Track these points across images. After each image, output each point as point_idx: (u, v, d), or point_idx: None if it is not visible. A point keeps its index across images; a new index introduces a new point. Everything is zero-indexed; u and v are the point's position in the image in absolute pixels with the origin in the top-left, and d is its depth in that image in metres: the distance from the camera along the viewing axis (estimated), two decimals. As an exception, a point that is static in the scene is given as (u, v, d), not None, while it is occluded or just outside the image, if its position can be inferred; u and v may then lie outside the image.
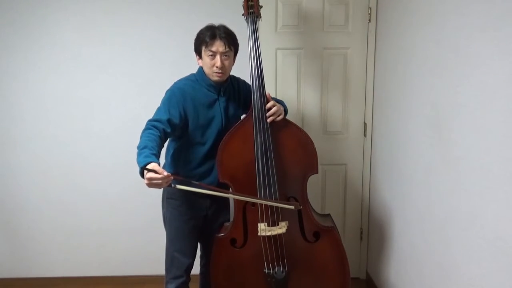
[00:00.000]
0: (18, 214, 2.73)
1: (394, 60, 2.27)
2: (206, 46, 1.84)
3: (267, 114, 1.90)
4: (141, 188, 2.61)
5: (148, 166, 1.57)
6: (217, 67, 1.85)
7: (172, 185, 1.64)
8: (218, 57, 1.84)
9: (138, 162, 1.61)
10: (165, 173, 1.57)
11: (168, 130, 1.81)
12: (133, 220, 2.73)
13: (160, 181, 1.57)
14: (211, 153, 1.94)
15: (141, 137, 1.73)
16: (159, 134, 1.75)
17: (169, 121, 1.81)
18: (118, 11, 2.53)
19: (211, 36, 1.83)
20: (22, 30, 2.53)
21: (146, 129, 1.77)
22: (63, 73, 2.58)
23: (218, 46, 1.83)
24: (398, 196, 2.24)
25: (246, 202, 1.92)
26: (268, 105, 1.90)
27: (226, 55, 1.86)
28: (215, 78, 1.90)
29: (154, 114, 1.86)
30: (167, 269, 2.07)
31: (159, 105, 1.91)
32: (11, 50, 2.55)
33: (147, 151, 1.64)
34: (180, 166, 1.99)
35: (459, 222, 1.60)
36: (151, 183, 1.57)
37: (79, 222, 2.73)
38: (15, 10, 2.51)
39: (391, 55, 2.31)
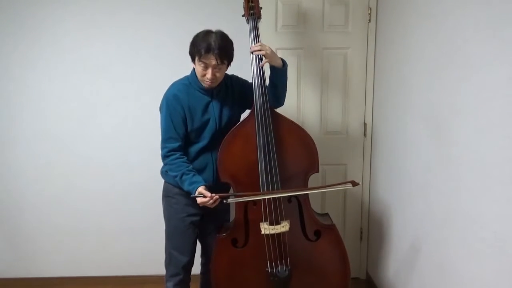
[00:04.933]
0: (17, 214, 2.72)
1: (394, 60, 2.27)
2: (199, 58, 1.83)
3: (254, 49, 1.93)
4: (141, 188, 2.67)
5: (195, 193, 1.85)
6: (208, 78, 1.86)
7: (224, 201, 1.86)
8: (210, 70, 1.84)
9: (187, 191, 1.90)
10: (210, 195, 1.82)
11: (182, 143, 1.95)
12: (133, 220, 2.73)
13: (210, 202, 1.83)
14: (205, 149, 1.97)
15: (167, 164, 1.94)
16: (181, 153, 1.94)
17: (180, 137, 1.94)
18: (118, 11, 2.53)
19: (206, 49, 1.79)
20: (22, 30, 2.53)
21: (167, 156, 1.93)
22: (63, 73, 2.58)
23: (211, 60, 1.81)
24: (398, 196, 2.24)
25: (248, 201, 1.93)
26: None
27: (218, 68, 1.85)
28: (205, 85, 1.92)
29: (163, 132, 1.95)
30: (166, 267, 2.10)
31: (160, 116, 1.96)
32: (11, 50, 2.55)
33: (189, 177, 1.88)
34: None
35: (458, 222, 1.60)
36: (204, 205, 1.85)
37: (79, 222, 2.73)
38: (15, 10, 2.50)
39: (391, 55, 2.32)
